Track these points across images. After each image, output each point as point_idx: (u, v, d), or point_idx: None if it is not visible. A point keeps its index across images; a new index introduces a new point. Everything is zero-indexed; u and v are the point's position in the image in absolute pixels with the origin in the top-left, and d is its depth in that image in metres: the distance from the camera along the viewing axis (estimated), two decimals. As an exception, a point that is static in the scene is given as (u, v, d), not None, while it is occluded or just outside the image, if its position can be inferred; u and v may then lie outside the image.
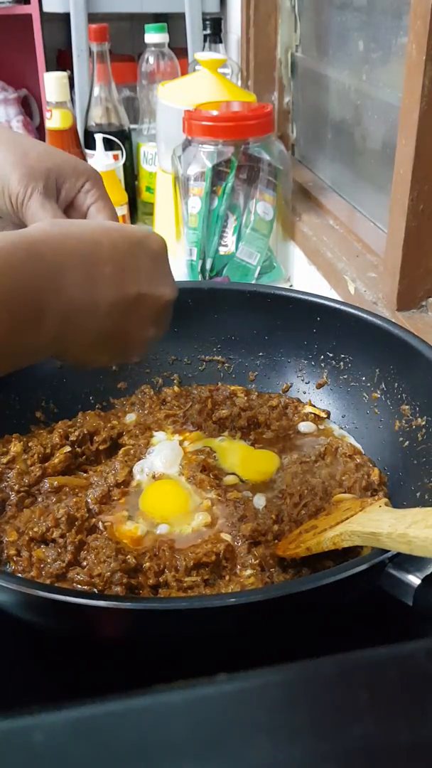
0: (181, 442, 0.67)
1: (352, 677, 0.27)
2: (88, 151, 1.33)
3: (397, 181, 0.74)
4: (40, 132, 2.12)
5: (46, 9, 1.66)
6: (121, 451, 0.65)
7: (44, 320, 0.38)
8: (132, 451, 0.65)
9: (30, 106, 2.21)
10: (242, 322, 0.74)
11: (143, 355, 0.50)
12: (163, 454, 0.64)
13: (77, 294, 0.39)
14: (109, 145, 1.25)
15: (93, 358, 0.45)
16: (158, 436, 0.68)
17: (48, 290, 0.38)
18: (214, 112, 1.03)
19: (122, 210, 1.26)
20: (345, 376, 0.70)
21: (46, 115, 1.31)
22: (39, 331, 0.38)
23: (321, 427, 0.70)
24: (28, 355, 0.40)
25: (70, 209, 0.52)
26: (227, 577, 0.52)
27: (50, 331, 0.38)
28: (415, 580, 0.40)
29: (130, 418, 0.71)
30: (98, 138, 1.23)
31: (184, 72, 1.34)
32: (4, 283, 0.35)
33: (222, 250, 1.05)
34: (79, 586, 0.51)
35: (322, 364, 0.72)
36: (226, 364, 0.76)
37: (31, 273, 0.37)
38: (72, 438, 0.65)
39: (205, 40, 1.44)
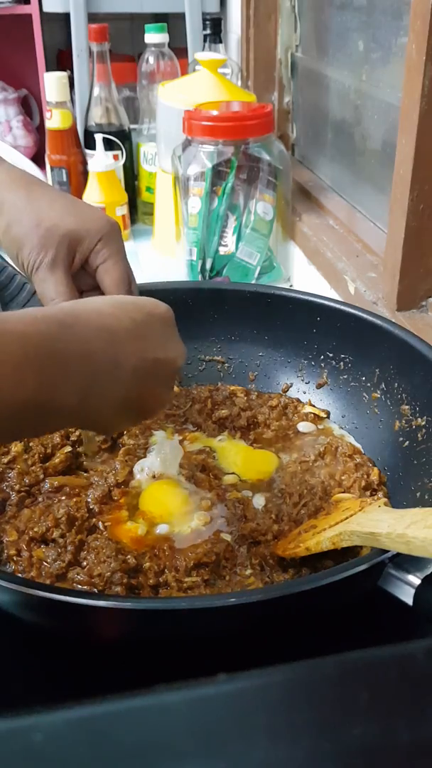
0: (180, 442, 0.67)
1: (352, 677, 0.27)
2: (88, 151, 1.33)
3: (397, 181, 0.74)
4: (40, 132, 2.12)
5: (46, 9, 1.66)
6: (121, 451, 0.65)
7: (71, 380, 0.39)
8: (132, 451, 0.65)
9: (30, 106, 2.21)
10: (242, 322, 0.74)
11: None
12: (163, 454, 0.64)
13: (102, 359, 0.41)
14: (109, 145, 1.25)
15: (115, 424, 0.48)
16: (158, 435, 0.68)
17: (75, 354, 0.40)
18: (214, 112, 1.03)
19: (122, 210, 1.26)
20: (345, 376, 0.70)
21: (46, 115, 1.31)
22: (66, 391, 0.39)
23: (321, 426, 0.70)
24: (54, 418, 0.41)
25: (85, 266, 0.55)
26: (227, 577, 0.52)
27: (76, 392, 0.40)
28: (415, 580, 0.40)
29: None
30: (98, 138, 1.23)
31: (184, 72, 1.34)
32: (33, 344, 0.37)
33: (222, 250, 1.05)
34: (79, 586, 0.51)
35: (322, 364, 0.72)
36: (226, 364, 0.76)
37: (59, 338, 0.39)
38: (73, 438, 0.65)
39: (205, 40, 1.43)
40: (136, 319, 0.45)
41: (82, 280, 0.55)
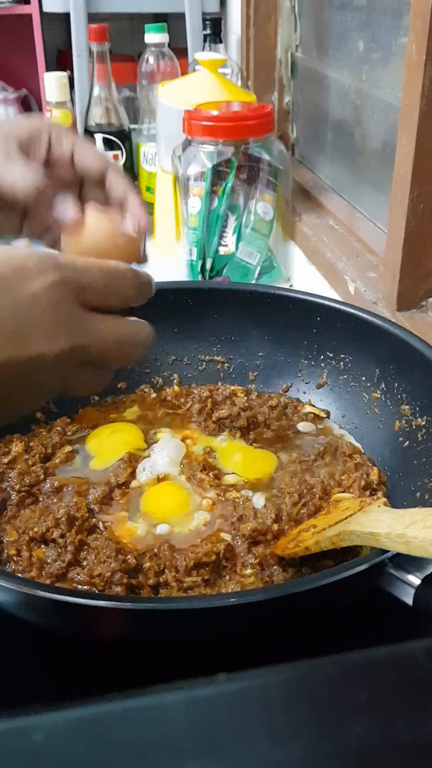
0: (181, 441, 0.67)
1: (352, 677, 0.27)
2: (88, 151, 1.33)
3: (397, 181, 0.74)
4: (40, 132, 2.12)
5: (46, 9, 1.66)
6: (125, 454, 0.65)
7: None
8: (136, 456, 0.65)
9: (30, 106, 2.21)
10: (242, 322, 0.74)
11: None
12: (166, 452, 0.64)
13: None
14: (109, 145, 1.25)
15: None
16: (164, 432, 0.68)
17: None
18: (214, 112, 1.03)
19: (122, 210, 1.25)
20: (345, 376, 0.70)
21: (46, 115, 1.31)
22: None
23: (320, 426, 0.70)
24: None
25: (56, 161, 0.51)
26: (227, 577, 0.52)
27: None
28: (415, 580, 0.40)
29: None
30: (98, 138, 1.23)
31: (184, 72, 1.34)
32: None
33: (222, 250, 1.05)
34: (80, 586, 0.51)
35: (322, 364, 0.72)
36: (226, 364, 0.76)
37: None
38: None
39: (205, 40, 1.43)
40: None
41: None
